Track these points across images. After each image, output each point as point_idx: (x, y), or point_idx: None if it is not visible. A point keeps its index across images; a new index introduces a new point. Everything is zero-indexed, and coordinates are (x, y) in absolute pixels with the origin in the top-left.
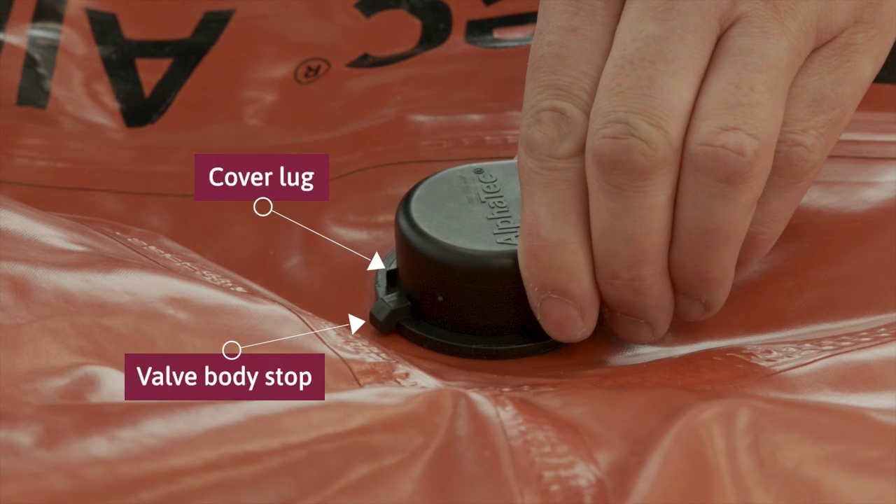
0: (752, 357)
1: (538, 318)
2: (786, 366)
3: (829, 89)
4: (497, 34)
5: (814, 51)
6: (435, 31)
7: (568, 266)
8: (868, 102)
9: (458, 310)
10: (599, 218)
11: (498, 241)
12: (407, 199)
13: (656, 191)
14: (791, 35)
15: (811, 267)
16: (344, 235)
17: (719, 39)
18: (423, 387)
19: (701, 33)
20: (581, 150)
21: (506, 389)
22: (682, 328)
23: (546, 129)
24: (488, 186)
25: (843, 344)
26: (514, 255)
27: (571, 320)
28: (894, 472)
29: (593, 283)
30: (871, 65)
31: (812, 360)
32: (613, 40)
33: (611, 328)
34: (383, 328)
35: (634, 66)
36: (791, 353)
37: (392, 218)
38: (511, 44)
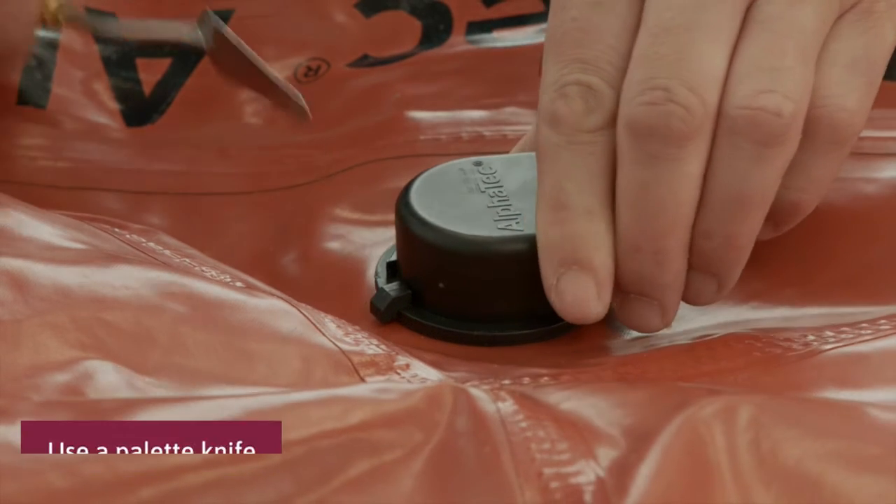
0: (753, 346)
1: (552, 297)
2: (789, 357)
3: (862, 52)
4: (497, 35)
5: (838, 18)
6: (435, 32)
7: (592, 235)
8: None
9: (459, 296)
10: (629, 189)
11: (499, 227)
12: (407, 189)
13: (691, 159)
14: (814, 2)
15: (813, 261)
16: (343, 230)
17: (747, 10)
18: (423, 379)
19: (732, 2)
20: (607, 125)
21: (506, 382)
22: (683, 312)
23: (572, 102)
24: (488, 177)
25: (844, 336)
26: (514, 241)
27: (588, 297)
28: (895, 469)
29: (613, 258)
30: (892, 32)
31: (813, 351)
32: (643, 12)
33: (619, 317)
34: (384, 317)
35: (670, 34)
36: (793, 344)
37: (391, 211)
38: (511, 44)
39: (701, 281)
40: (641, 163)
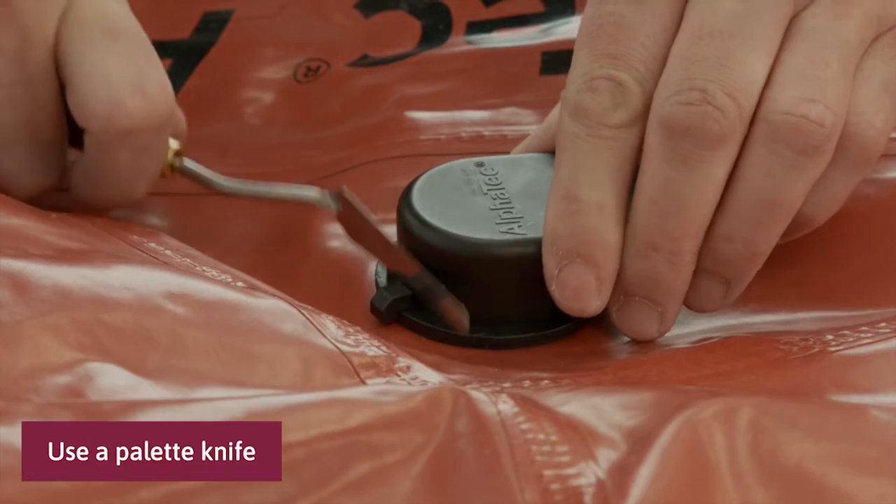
0: (753, 349)
1: (553, 287)
2: (788, 360)
3: (893, 73)
4: (497, 35)
5: (875, 39)
6: (435, 33)
7: (600, 230)
8: None
9: (460, 299)
10: (653, 187)
11: (501, 230)
12: (409, 191)
13: (720, 162)
14: (857, 19)
15: (814, 261)
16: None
17: (791, 21)
18: (423, 381)
19: (777, 13)
20: (632, 122)
21: (506, 385)
22: (682, 315)
23: (600, 96)
24: (490, 179)
25: (845, 339)
26: (516, 244)
27: (589, 290)
28: (895, 471)
29: (618, 256)
30: None
31: (813, 354)
32: (685, 15)
33: (615, 321)
34: (384, 318)
35: (713, 38)
36: (793, 347)
37: (391, 210)
38: (511, 44)
39: (710, 285)
40: (670, 162)
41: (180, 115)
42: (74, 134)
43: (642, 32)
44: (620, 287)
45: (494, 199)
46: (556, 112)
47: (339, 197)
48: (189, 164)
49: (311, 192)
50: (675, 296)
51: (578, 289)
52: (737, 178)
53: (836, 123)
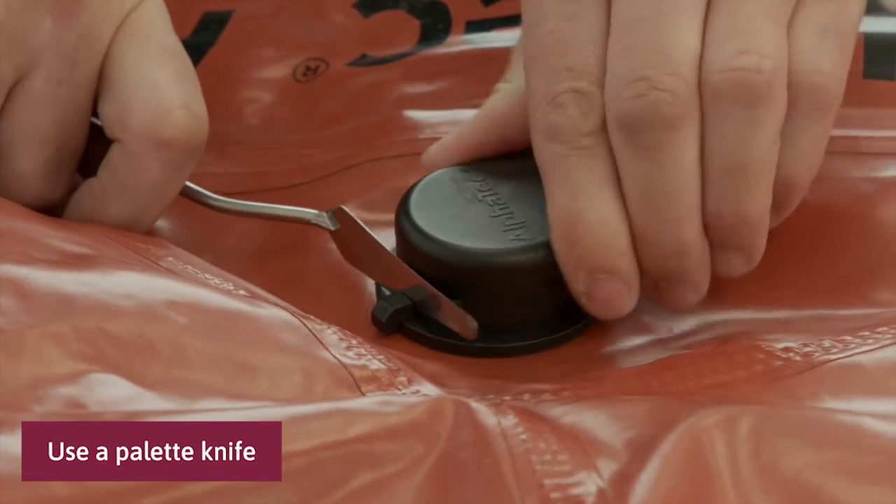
0: (753, 359)
1: (583, 302)
2: (789, 370)
3: (830, 19)
4: (496, 34)
5: None
6: (434, 32)
7: (614, 243)
8: (866, 98)
9: (469, 309)
10: (635, 186)
11: (508, 238)
12: (405, 205)
13: (687, 142)
14: None
15: (812, 262)
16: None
17: None
18: (425, 395)
19: None
20: (602, 125)
21: (507, 398)
22: (683, 319)
23: (568, 110)
24: (480, 185)
25: (845, 346)
26: (530, 250)
27: (620, 296)
28: (894, 480)
29: (635, 254)
30: (857, 7)
31: (814, 363)
32: (612, 12)
33: (653, 299)
34: (385, 329)
35: (641, 24)
36: (793, 356)
37: (390, 210)
38: (510, 43)
39: (728, 257)
40: (640, 157)
41: None
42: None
43: (584, 40)
44: (647, 278)
45: (491, 205)
46: (492, 102)
47: (338, 215)
48: (188, 183)
49: (308, 213)
50: (696, 271)
51: (611, 300)
52: (706, 152)
53: (776, 69)
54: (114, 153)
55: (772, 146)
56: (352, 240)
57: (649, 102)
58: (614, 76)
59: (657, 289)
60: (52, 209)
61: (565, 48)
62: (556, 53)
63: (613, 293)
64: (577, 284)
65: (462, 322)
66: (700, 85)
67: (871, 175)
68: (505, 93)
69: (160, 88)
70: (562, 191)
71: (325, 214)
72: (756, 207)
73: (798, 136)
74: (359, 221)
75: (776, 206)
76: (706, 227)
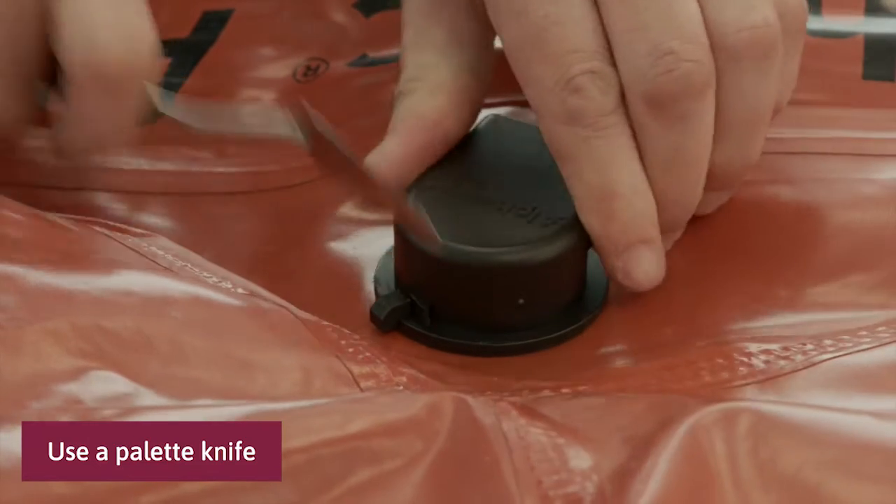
0: (752, 357)
1: (619, 278)
2: (788, 368)
3: None
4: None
5: None
6: None
7: (649, 213)
8: (867, 100)
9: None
10: (661, 156)
11: (506, 236)
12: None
13: (710, 106)
14: None
15: (811, 262)
16: (343, 229)
17: None
18: (423, 391)
19: None
20: (620, 101)
21: (505, 394)
22: (679, 321)
23: (588, 93)
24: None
25: (844, 345)
26: (527, 249)
27: (656, 269)
28: (894, 478)
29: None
30: None
31: (813, 362)
32: None
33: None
34: (383, 326)
35: (649, 1)
36: (793, 353)
37: (390, 210)
38: None
39: (714, 198)
40: (670, 127)
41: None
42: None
43: (581, 18)
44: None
45: (485, 204)
46: (416, 104)
47: (303, 118)
48: (169, 107)
49: (281, 128)
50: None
51: (648, 271)
52: (720, 109)
53: (774, 17)
54: (67, 85)
55: (776, 88)
56: (325, 151)
57: (681, 75)
58: (635, 55)
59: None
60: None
61: (565, 30)
62: (557, 37)
63: (650, 265)
64: (617, 260)
65: (421, 224)
66: (714, 47)
67: (872, 176)
68: (425, 92)
69: (89, 17)
70: (592, 170)
71: (294, 125)
72: (759, 146)
73: (787, 66)
74: (324, 126)
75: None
76: (711, 174)
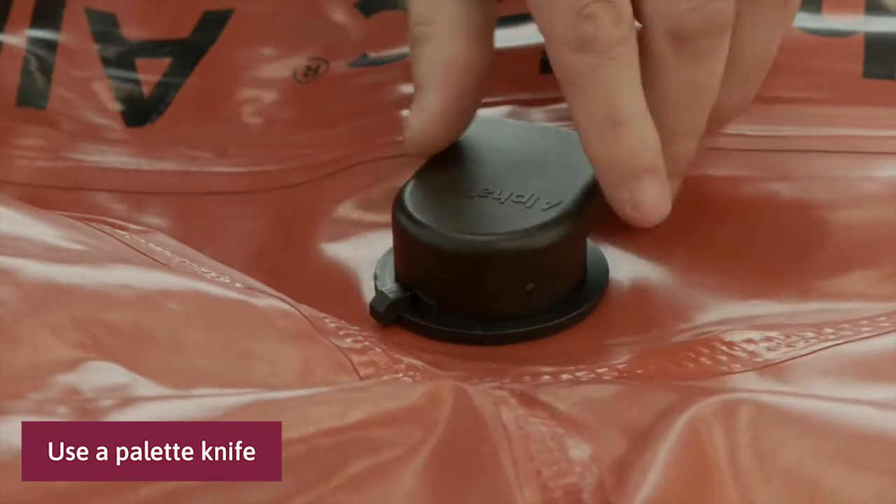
0: (752, 344)
1: (627, 211)
2: (787, 355)
3: None
4: (497, 34)
5: None
6: None
7: (654, 141)
8: (867, 98)
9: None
10: (676, 89)
11: (541, 209)
12: (401, 195)
13: (727, 44)
14: None
15: (813, 258)
16: (343, 228)
17: None
18: (423, 379)
19: None
20: (631, 30)
21: (506, 381)
22: (683, 310)
23: (600, 20)
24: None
25: (844, 333)
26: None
27: (664, 199)
28: (894, 470)
29: None
30: None
31: (813, 349)
32: None
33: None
34: (383, 320)
35: None
36: (793, 341)
37: (390, 210)
38: (511, 44)
39: (708, 140)
40: (688, 64)
41: None
42: None
43: None
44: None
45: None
46: (436, 53)
47: None
48: None
49: None
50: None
51: (656, 202)
52: (734, 49)
53: None
54: None
55: (782, 34)
56: None
57: (710, 13)
58: None
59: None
60: None
61: None
62: None
63: (657, 195)
64: (622, 192)
65: None
66: None
67: (872, 174)
68: (442, 36)
69: None
70: (599, 98)
71: None
72: (757, 87)
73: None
74: None
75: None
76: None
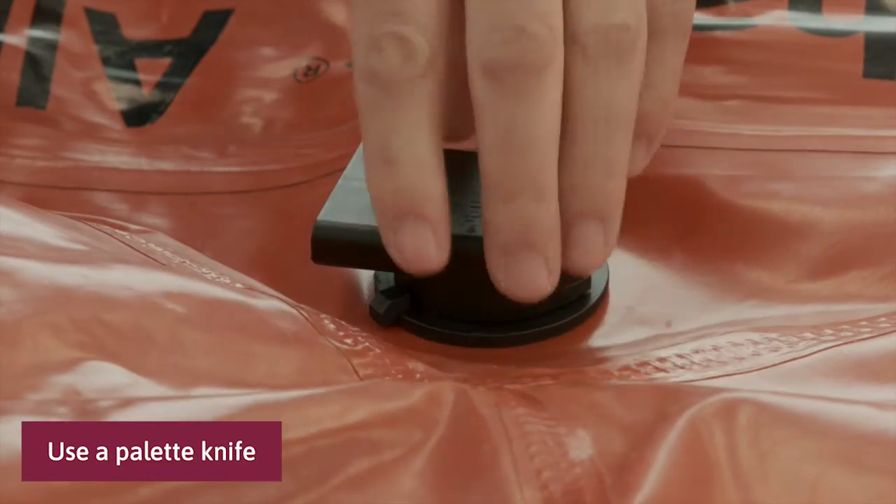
0: (753, 346)
1: (393, 253)
2: (788, 356)
3: None
4: None
5: None
6: None
7: (425, 185)
8: (866, 98)
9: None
10: (497, 131)
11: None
12: None
13: (552, 87)
14: None
15: (812, 260)
16: None
17: None
18: (422, 380)
19: None
20: (425, 72)
21: (506, 382)
22: (683, 311)
23: (387, 56)
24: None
25: (844, 334)
26: None
27: (428, 248)
28: (894, 470)
29: (447, 206)
30: None
31: (813, 350)
32: None
33: (506, 289)
34: (383, 321)
35: None
36: (793, 342)
37: None
38: None
39: (587, 230)
40: (506, 100)
41: None
42: None
43: None
44: (499, 248)
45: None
46: None
47: None
48: None
49: None
50: (553, 237)
51: (417, 248)
52: (571, 100)
53: (641, 17)
54: None
55: (636, 90)
56: None
57: (520, 49)
58: (481, 24)
59: (508, 270)
60: None
61: None
62: None
63: (421, 242)
64: (386, 231)
65: None
66: (567, 39)
67: (872, 174)
68: None
69: None
70: (375, 132)
71: None
72: (624, 153)
73: (668, 61)
74: None
75: (650, 136)
76: (568, 195)
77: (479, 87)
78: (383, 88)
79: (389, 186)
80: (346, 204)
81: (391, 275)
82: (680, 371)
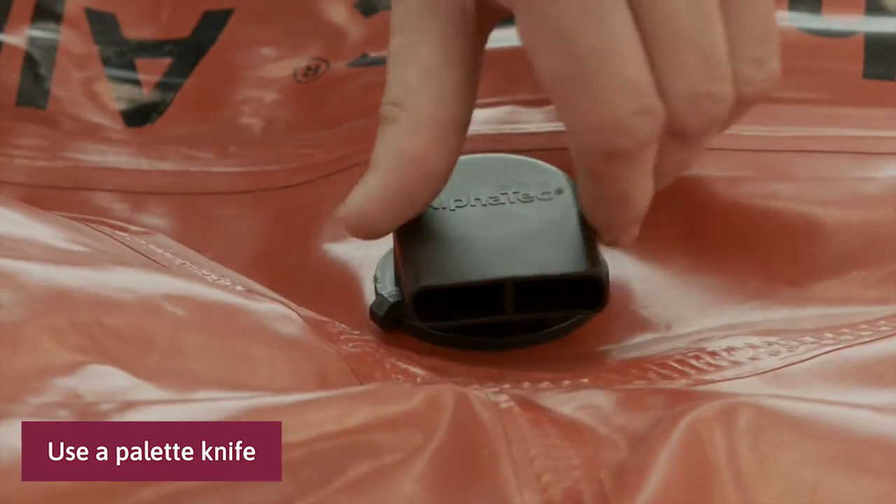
0: (753, 350)
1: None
2: (788, 360)
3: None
4: (497, 34)
5: None
6: None
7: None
8: (866, 99)
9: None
10: (672, 168)
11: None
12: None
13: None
14: None
15: (812, 261)
16: (343, 231)
17: None
18: (423, 384)
19: None
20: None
21: (506, 386)
22: (680, 315)
23: (638, 135)
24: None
25: (844, 337)
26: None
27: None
28: (893, 473)
29: None
30: None
31: (813, 354)
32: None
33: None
34: (383, 323)
35: (690, 42)
36: (792, 346)
37: None
38: (511, 44)
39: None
40: (686, 151)
41: None
42: None
43: (629, 50)
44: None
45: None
46: (399, 138)
47: None
48: None
49: None
50: None
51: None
52: None
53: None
54: None
55: None
56: None
57: (712, 116)
58: (674, 92)
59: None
60: None
61: (614, 65)
62: (606, 73)
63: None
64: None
65: None
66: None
67: (872, 175)
68: (408, 122)
69: None
70: (614, 190)
71: None
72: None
73: None
74: None
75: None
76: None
77: (666, 143)
78: (629, 160)
79: (630, 216)
80: None
81: (391, 277)
82: (680, 375)
